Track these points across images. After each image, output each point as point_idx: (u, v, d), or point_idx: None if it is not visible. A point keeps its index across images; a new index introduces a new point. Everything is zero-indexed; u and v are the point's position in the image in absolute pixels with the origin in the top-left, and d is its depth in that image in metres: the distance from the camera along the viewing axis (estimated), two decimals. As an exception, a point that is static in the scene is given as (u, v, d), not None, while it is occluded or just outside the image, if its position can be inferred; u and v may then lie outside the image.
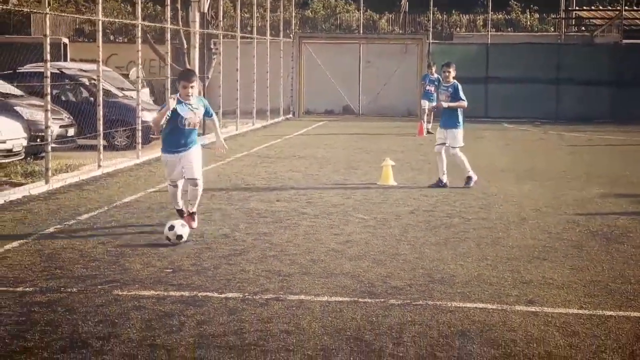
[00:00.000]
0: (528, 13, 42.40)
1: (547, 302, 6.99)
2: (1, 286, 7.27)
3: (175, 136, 9.41)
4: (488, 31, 32.16)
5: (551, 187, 13.57)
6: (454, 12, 42.48)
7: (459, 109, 13.47)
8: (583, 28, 37.54)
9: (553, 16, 40.19)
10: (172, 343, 5.85)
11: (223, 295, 7.05)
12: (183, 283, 7.44)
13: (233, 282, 7.47)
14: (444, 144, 13.40)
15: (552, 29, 39.35)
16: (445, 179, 13.31)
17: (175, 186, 9.74)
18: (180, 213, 9.80)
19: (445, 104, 13.41)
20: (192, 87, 9.30)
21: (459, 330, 6.21)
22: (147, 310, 6.62)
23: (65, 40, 29.55)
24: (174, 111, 9.23)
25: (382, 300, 6.95)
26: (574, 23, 37.96)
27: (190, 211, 9.78)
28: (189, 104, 9.36)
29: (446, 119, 13.53)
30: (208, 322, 6.32)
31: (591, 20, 37.13)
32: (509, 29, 40.60)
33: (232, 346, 5.81)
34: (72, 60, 27.50)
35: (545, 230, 9.96)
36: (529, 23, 41.83)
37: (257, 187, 13.29)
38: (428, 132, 22.63)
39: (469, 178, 13.33)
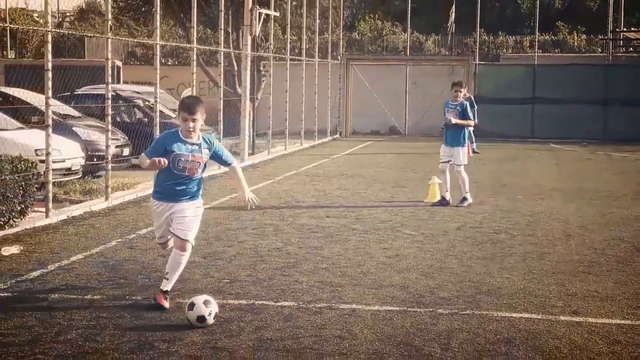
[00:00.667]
0: (575, 34, 42.38)
1: (591, 313, 7.23)
2: (71, 294, 7.73)
3: (168, 182, 7.26)
4: (535, 52, 32.30)
5: (597, 205, 13.73)
6: (500, 33, 42.63)
7: (465, 128, 13.64)
8: (631, 49, 37.40)
9: (600, 37, 40.12)
10: (233, 346, 6.23)
11: (278, 304, 7.42)
12: (240, 292, 7.83)
13: (287, 292, 7.84)
14: (449, 161, 13.57)
15: (600, 50, 39.26)
16: (448, 196, 13.46)
17: (165, 247, 7.71)
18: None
19: (453, 120, 13.43)
20: (194, 120, 7.08)
21: (505, 338, 6.49)
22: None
23: (119, 63, 30.46)
24: (169, 149, 7.11)
25: (431, 309, 7.26)
26: (621, 44, 37.83)
27: (163, 288, 7.22)
28: (190, 143, 7.16)
29: (452, 137, 13.58)
30: (265, 328, 6.69)
31: (639, 40, 37.00)
32: (556, 50, 40.61)
33: (288, 349, 6.17)
34: (125, 82, 28.35)
35: (591, 247, 10.17)
36: (576, 44, 41.79)
37: (307, 204, 13.67)
38: (474, 152, 22.86)
39: (464, 199, 13.45)
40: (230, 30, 26.85)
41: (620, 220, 12.24)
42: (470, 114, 13.76)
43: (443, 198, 13.54)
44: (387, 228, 11.38)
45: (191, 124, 7.08)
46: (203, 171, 7.36)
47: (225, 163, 7.54)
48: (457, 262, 9.22)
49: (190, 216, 7.29)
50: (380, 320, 6.93)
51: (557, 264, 9.17)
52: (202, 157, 7.24)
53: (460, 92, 13.77)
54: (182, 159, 7.13)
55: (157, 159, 7.01)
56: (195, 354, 6.05)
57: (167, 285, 7.23)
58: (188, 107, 7.14)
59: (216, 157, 7.40)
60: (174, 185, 7.23)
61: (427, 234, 10.92)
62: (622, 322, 6.98)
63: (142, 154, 7.26)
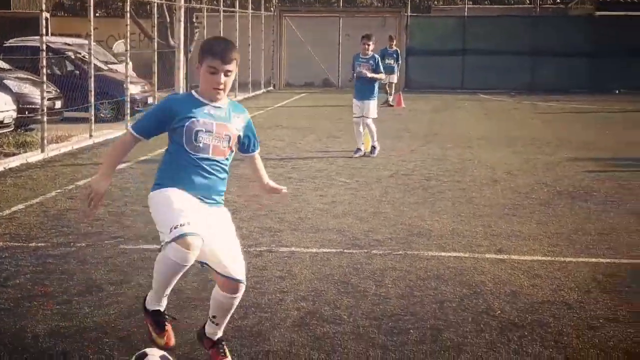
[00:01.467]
0: (504, -14, 43.06)
1: (515, 251, 7.73)
2: (15, 242, 7.90)
3: (180, 173, 4.68)
4: (465, 4, 32.79)
5: (523, 152, 14.31)
6: (431, -15, 43.07)
7: (375, 82, 13.84)
8: (558, 0, 38.28)
9: (529, -12, 40.87)
10: (180, 286, 6.50)
11: (220, 248, 7.71)
12: (182, 238, 8.09)
13: (228, 237, 8.13)
14: (362, 116, 13.76)
15: (528, 2, 40.03)
16: (363, 147, 13.77)
17: (190, 250, 4.52)
18: (158, 317, 5.00)
19: (369, 74, 13.60)
20: (227, 73, 4.54)
21: (435, 275, 6.92)
22: (152, 260, 7.18)
23: (46, 14, 29.91)
24: (182, 117, 4.59)
25: (366, 251, 7.66)
26: (549, -5, 38.68)
27: (214, 337, 5.04)
28: (215, 107, 4.65)
29: (364, 90, 13.70)
30: (208, 270, 6.98)
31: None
32: (486, 2, 41.27)
33: (232, 289, 6.48)
34: (53, 34, 27.92)
35: (515, 191, 10.70)
36: (505, -4, 42.50)
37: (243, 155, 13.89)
38: (389, 105, 23.32)
39: (374, 148, 13.76)
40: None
41: (543, 165, 12.83)
42: (381, 67, 13.97)
43: (358, 149, 13.75)
44: (322, 177, 11.74)
45: (222, 79, 4.54)
46: (231, 155, 4.82)
47: (250, 149, 4.99)
48: (390, 207, 9.64)
49: (233, 237, 4.89)
50: (318, 261, 7.31)
51: (483, 207, 9.66)
52: (232, 130, 4.68)
53: (369, 44, 13.81)
54: (204, 130, 4.58)
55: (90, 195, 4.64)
56: (142, 294, 6.31)
57: (218, 333, 5.03)
58: (220, 52, 4.52)
59: (245, 137, 4.84)
60: (191, 177, 4.64)
61: (361, 182, 11.32)
62: (543, 258, 7.49)
63: (122, 135, 5.18)
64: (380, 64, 13.87)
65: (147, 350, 4.71)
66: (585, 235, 8.34)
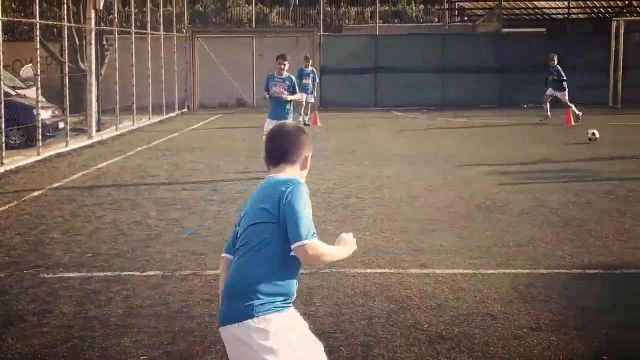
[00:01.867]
0: (413, 4, 43.90)
1: (437, 265, 7.87)
2: None
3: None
4: (376, 22, 33.29)
5: (439, 168, 14.58)
6: (342, 4, 43.57)
7: (290, 102, 13.73)
8: (466, 18, 39.23)
9: (437, 7, 41.76)
10: (104, 315, 6.42)
11: (144, 274, 7.63)
12: (104, 265, 7.97)
13: (152, 262, 8.05)
14: None
15: (437, 20, 40.90)
16: None
17: None
18: None
19: (287, 96, 13.56)
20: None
21: (362, 291, 7.00)
22: (75, 289, 7.15)
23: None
24: None
25: (291, 270, 7.67)
26: (457, 13, 39.61)
27: None
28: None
29: (279, 111, 13.58)
30: (134, 297, 6.91)
31: (473, 10, 38.85)
32: (396, 21, 41.98)
33: (159, 314, 6.42)
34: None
35: (434, 206, 10.89)
36: (414, 14, 43.32)
37: (162, 178, 13.77)
38: (305, 124, 23.53)
39: None
40: (70, 4, 26.16)
41: (460, 180, 13.09)
42: (297, 88, 13.99)
43: None
44: (244, 198, 11.69)
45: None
46: None
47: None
48: (312, 225, 9.67)
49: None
50: (244, 282, 7.28)
51: (404, 222, 9.80)
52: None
53: (285, 64, 13.78)
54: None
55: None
56: (67, 324, 6.20)
57: None
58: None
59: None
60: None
61: (282, 201, 11.32)
62: (465, 271, 7.65)
63: None
64: (296, 84, 13.94)
65: None
66: (504, 247, 8.56)
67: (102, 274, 7.64)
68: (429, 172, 14.12)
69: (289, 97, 13.67)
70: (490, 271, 7.64)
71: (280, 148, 3.97)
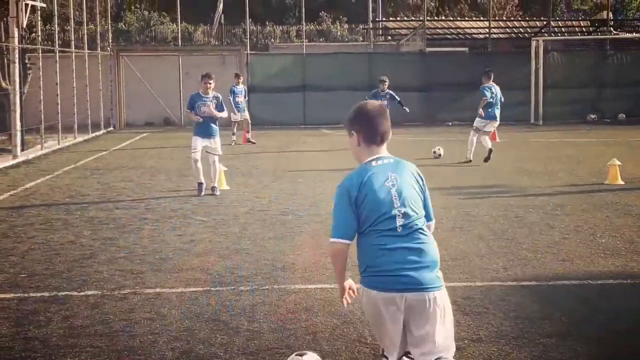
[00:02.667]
0: (338, 24, 44.39)
1: (377, 279, 7.96)
2: None
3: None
4: (303, 41, 33.51)
5: (371, 184, 14.72)
6: (267, 23, 43.76)
7: (217, 120, 13.83)
8: (390, 37, 39.82)
9: (362, 26, 42.32)
10: (44, 335, 6.31)
11: (82, 293, 7.53)
12: (41, 285, 7.84)
13: (89, 282, 7.94)
14: (207, 152, 13.67)
15: (362, 39, 41.42)
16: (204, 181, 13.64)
17: None
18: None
19: (219, 114, 13.68)
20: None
21: (304, 307, 7.04)
22: (12, 310, 7.01)
23: None
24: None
25: (233, 287, 7.68)
26: (381, 33, 40.19)
27: None
28: None
29: (206, 128, 13.69)
30: (74, 316, 6.81)
31: (397, 30, 39.48)
32: (321, 40, 42.36)
33: (101, 334, 6.34)
34: None
35: (370, 221, 11.00)
36: (339, 33, 43.80)
37: (92, 198, 13.59)
38: (249, 141, 23.54)
39: (214, 188, 13.60)
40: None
41: (392, 196, 13.25)
42: (224, 106, 13.98)
43: (200, 183, 13.58)
44: (178, 216, 11.65)
45: None
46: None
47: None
48: (250, 243, 9.70)
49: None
50: (186, 300, 7.26)
51: (341, 238, 9.87)
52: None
53: (211, 83, 13.76)
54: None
55: None
56: (7, 345, 6.07)
57: None
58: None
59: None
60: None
61: (218, 219, 11.31)
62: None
63: None
64: (223, 103, 13.95)
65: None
66: (440, 261, 8.67)
67: (38, 294, 7.51)
68: (361, 188, 14.23)
69: (220, 115, 13.66)
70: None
71: (387, 126, 4.57)
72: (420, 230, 4.48)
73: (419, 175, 4.62)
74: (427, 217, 4.61)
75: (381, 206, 4.39)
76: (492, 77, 18.39)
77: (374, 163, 4.52)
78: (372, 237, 4.42)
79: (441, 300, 4.46)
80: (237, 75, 24.62)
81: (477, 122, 18.23)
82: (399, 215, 4.39)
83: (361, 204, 4.41)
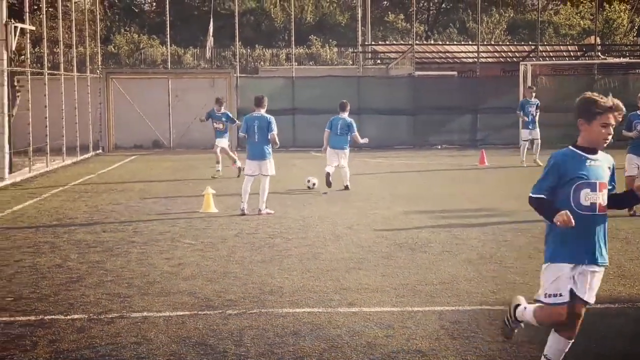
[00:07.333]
0: (327, 47, 44.55)
1: (365, 303, 7.95)
2: None
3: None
4: (292, 64, 33.60)
5: (360, 207, 14.75)
6: (257, 46, 43.87)
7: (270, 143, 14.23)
8: (379, 61, 39.98)
9: (351, 50, 42.48)
10: (30, 359, 6.25)
11: (69, 317, 7.47)
12: (27, 309, 7.78)
13: (76, 305, 7.89)
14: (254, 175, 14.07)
15: (351, 62, 41.57)
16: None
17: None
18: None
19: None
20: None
21: (292, 331, 7.01)
22: (6, 334, 6.94)
23: None
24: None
25: (220, 311, 7.65)
26: (370, 57, 40.35)
27: None
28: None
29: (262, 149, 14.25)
30: (59, 340, 6.76)
31: (386, 53, 39.66)
32: (311, 63, 42.48)
33: (87, 358, 6.30)
34: None
35: (358, 245, 11.01)
36: (328, 57, 43.94)
37: (80, 220, 13.53)
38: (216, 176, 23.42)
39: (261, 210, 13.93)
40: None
41: (381, 219, 13.28)
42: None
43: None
44: (166, 239, 11.61)
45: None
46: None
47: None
48: (238, 266, 9.67)
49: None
50: (173, 324, 7.21)
51: (330, 262, 9.88)
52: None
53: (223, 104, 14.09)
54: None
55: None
56: (-7, 370, 6.02)
57: None
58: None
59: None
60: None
61: (206, 242, 11.28)
62: (392, 309, 7.75)
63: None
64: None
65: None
66: (429, 285, 8.71)
67: (25, 318, 7.45)
68: (350, 211, 14.26)
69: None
70: (416, 308, 7.76)
71: None
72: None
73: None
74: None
75: None
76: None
77: None
78: None
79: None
80: (218, 101, 22.07)
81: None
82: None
83: None
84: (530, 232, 11.89)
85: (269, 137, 14.11)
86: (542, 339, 6.77)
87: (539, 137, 23.09)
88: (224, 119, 21.35)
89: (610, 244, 10.95)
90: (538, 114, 23.30)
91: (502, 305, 7.89)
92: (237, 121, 21.13)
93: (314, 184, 17.59)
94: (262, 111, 14.33)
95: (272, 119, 14.29)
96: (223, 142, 21.17)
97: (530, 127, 23.19)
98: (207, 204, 14.29)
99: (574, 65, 36.76)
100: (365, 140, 17.61)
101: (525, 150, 23.12)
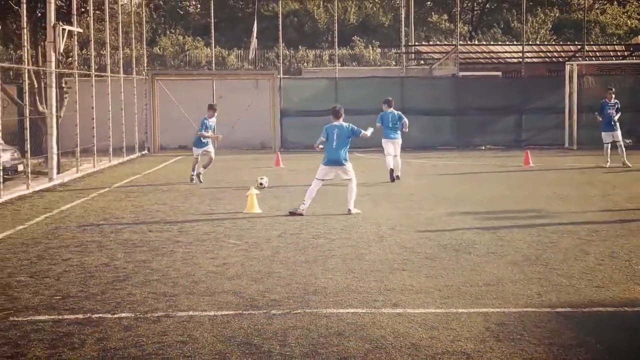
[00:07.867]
0: (371, 48, 44.51)
1: (409, 304, 7.93)
2: None
3: None
4: (335, 65, 33.62)
5: (404, 208, 14.72)
6: (300, 47, 44.00)
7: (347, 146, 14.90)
8: (422, 61, 39.82)
9: (394, 51, 42.38)
10: (78, 357, 6.35)
11: (116, 316, 7.57)
12: (75, 307, 7.90)
13: (123, 304, 8.00)
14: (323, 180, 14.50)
15: (394, 63, 41.47)
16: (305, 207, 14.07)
17: None
18: None
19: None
20: None
21: (336, 331, 7.02)
22: (47, 332, 7.07)
23: None
24: None
25: (265, 311, 7.69)
26: (413, 57, 40.20)
27: None
28: None
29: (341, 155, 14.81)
30: (107, 339, 6.85)
31: (429, 54, 39.49)
32: (354, 64, 42.48)
33: (134, 357, 6.37)
34: None
35: (402, 246, 10.99)
36: (371, 57, 43.90)
37: (127, 220, 13.69)
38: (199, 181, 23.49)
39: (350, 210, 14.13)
40: (28, 47, 26.03)
41: (425, 220, 13.23)
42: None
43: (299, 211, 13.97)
44: (211, 239, 11.70)
45: None
46: None
47: None
48: (282, 266, 9.71)
49: None
50: (218, 324, 7.27)
51: (374, 263, 9.87)
52: None
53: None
54: None
55: None
56: (41, 368, 6.13)
57: None
58: None
59: None
60: None
61: (250, 243, 11.34)
62: (436, 310, 7.72)
63: None
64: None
65: None
66: (473, 286, 8.66)
67: (73, 316, 7.57)
68: (394, 212, 14.23)
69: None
70: (461, 310, 7.72)
71: None
72: None
73: None
74: None
75: None
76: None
77: None
78: None
79: None
80: (211, 107, 21.02)
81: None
82: None
83: None
84: (576, 234, 11.76)
85: (361, 135, 15.22)
86: (593, 344, 6.70)
87: (620, 138, 22.54)
88: (214, 128, 20.68)
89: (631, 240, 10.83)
90: (618, 115, 22.80)
91: (548, 307, 7.83)
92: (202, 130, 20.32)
93: (260, 184, 17.74)
94: (340, 120, 14.98)
95: (351, 125, 15.19)
96: (198, 152, 20.28)
97: (611, 129, 22.66)
98: (251, 205, 14.37)
99: (621, 65, 36.23)
100: (370, 130, 17.08)
101: (609, 151, 22.67)
